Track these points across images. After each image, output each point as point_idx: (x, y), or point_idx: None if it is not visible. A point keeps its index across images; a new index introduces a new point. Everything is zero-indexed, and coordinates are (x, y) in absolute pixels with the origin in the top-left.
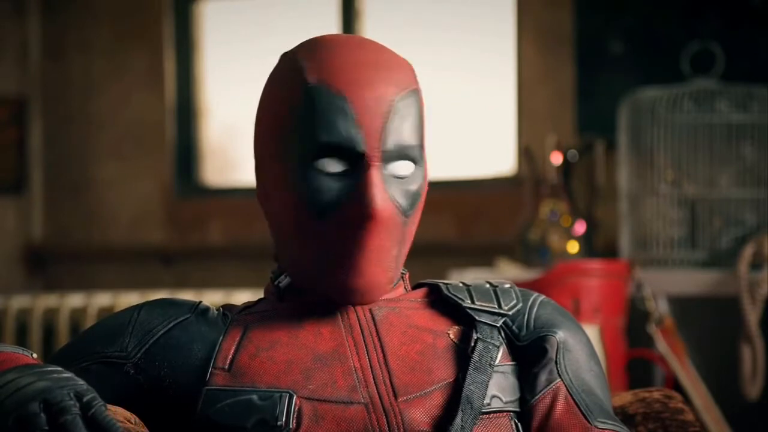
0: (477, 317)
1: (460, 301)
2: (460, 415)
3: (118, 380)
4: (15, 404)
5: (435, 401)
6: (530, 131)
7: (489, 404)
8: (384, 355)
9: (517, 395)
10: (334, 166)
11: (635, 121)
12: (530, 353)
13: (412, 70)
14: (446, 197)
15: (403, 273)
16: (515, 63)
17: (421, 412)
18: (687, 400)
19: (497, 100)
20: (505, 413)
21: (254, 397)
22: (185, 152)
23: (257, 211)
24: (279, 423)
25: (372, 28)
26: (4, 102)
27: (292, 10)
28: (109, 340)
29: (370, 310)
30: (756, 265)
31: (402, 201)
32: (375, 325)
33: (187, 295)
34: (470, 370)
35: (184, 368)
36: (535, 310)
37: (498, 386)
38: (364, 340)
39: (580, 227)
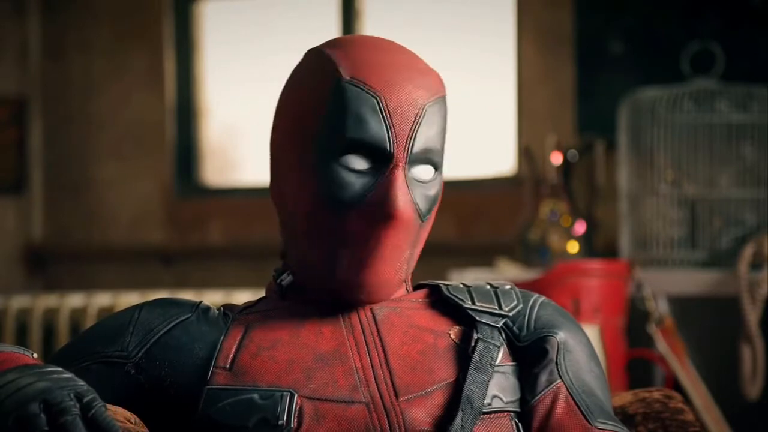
0: (478, 318)
1: (460, 302)
2: (460, 414)
3: (118, 380)
4: (15, 404)
5: (436, 401)
6: (530, 131)
7: (490, 404)
8: (385, 355)
9: (517, 395)
10: (359, 163)
11: (635, 121)
12: (531, 354)
13: (441, 79)
14: (446, 197)
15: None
16: (515, 63)
17: (422, 412)
18: (687, 400)
19: (497, 100)
20: (505, 413)
21: (255, 396)
22: (185, 152)
23: (257, 211)
24: (280, 422)
25: (372, 28)
26: (4, 102)
27: (292, 10)
28: (110, 340)
29: (371, 309)
30: (756, 265)
31: (421, 204)
32: (376, 324)
33: (187, 295)
34: (471, 370)
35: (185, 368)
36: (535, 311)
37: (499, 386)
38: (365, 340)
39: (580, 227)
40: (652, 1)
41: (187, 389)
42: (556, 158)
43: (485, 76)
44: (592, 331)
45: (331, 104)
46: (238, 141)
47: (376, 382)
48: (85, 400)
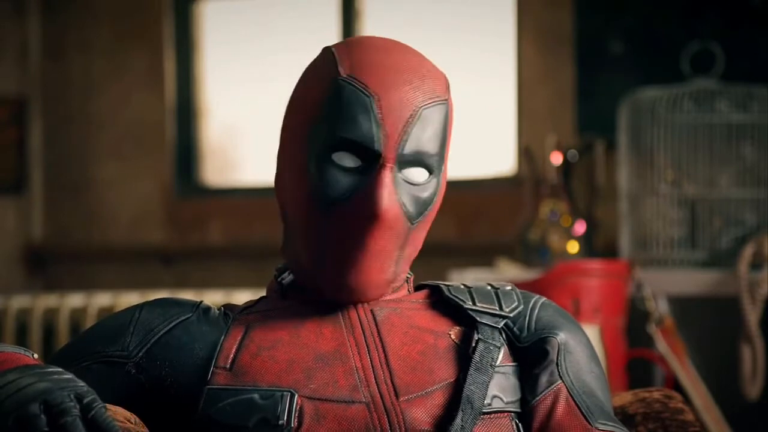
0: (478, 318)
1: (461, 303)
2: (460, 414)
3: (119, 380)
4: (15, 405)
5: (436, 401)
6: (530, 131)
7: (490, 404)
8: (385, 355)
9: (518, 396)
10: (349, 161)
11: (635, 121)
12: (531, 355)
13: (446, 83)
14: (446, 197)
15: (408, 276)
16: (515, 63)
17: (423, 412)
18: (687, 400)
19: (497, 100)
20: (506, 413)
21: (256, 396)
22: (185, 152)
23: (257, 211)
24: (280, 422)
25: (372, 28)
26: (4, 102)
27: (292, 10)
28: (110, 340)
29: (372, 310)
30: (756, 265)
31: (410, 206)
32: (376, 325)
33: (188, 295)
34: (471, 371)
35: (185, 368)
36: (536, 312)
37: (499, 387)
38: (365, 340)
39: (580, 227)
40: (652, 1)
41: (187, 389)
42: (556, 158)
43: (485, 76)
44: (592, 331)
45: (327, 101)
46: (238, 141)
47: (376, 382)
48: (85, 400)
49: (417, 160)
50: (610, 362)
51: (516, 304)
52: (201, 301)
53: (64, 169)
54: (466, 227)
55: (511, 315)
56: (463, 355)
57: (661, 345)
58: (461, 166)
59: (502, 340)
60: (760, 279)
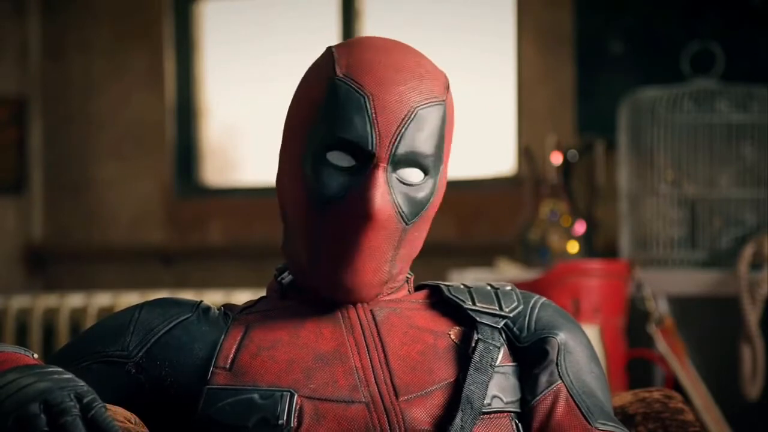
0: (478, 318)
1: (461, 303)
2: (459, 414)
3: (119, 379)
4: (15, 405)
5: (436, 401)
6: (530, 131)
7: (490, 404)
8: (385, 355)
9: (517, 396)
10: (344, 160)
11: (635, 121)
12: (531, 355)
13: (445, 83)
14: (446, 197)
15: (408, 276)
16: (515, 63)
17: (422, 412)
18: (687, 400)
19: (497, 100)
20: (505, 413)
21: (255, 396)
22: (185, 152)
23: (257, 211)
24: (280, 422)
25: (372, 28)
26: (4, 102)
27: (292, 10)
28: (110, 340)
29: (372, 310)
30: (756, 265)
31: (405, 207)
32: (376, 325)
33: (187, 295)
34: (471, 371)
35: (185, 368)
36: (536, 312)
37: (499, 387)
38: (365, 340)
39: (580, 227)
40: (652, 1)
41: (187, 389)
42: (556, 158)
43: (485, 76)
44: (592, 331)
45: (323, 100)
46: (238, 141)
47: (376, 382)
48: (85, 400)
49: (412, 160)
50: (610, 362)
51: (516, 304)
52: (201, 301)
53: (64, 169)
54: (466, 227)
55: (511, 315)
56: (463, 355)
57: (661, 345)
58: (461, 166)
59: (501, 340)
60: (760, 279)
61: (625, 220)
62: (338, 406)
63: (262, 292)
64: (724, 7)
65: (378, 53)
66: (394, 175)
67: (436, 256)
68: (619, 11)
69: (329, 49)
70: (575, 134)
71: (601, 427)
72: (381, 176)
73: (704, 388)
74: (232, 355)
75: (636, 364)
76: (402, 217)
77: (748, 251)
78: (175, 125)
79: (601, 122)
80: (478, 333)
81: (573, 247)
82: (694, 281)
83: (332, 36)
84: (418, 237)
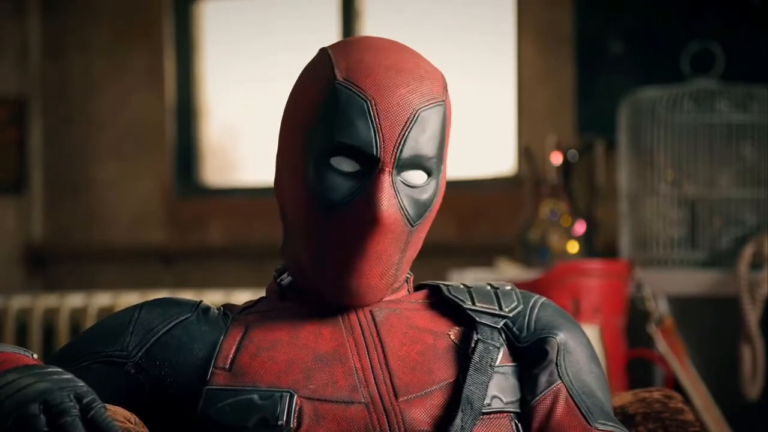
0: (478, 319)
1: (460, 303)
2: (460, 415)
3: (118, 380)
4: (15, 405)
5: (435, 401)
6: (530, 131)
7: (489, 405)
8: (385, 356)
9: (517, 396)
10: (348, 165)
11: (635, 121)
12: (531, 355)
13: (443, 83)
14: (446, 197)
15: (408, 276)
16: (515, 63)
17: (422, 412)
18: (687, 400)
19: (497, 100)
20: (505, 414)
21: (255, 396)
22: (185, 152)
23: (257, 211)
24: (280, 422)
25: (372, 28)
26: (4, 102)
27: (292, 10)
28: (110, 340)
29: (371, 311)
30: (756, 265)
31: (410, 209)
32: (376, 325)
33: (187, 295)
34: (470, 371)
35: (184, 368)
36: (535, 311)
37: (498, 387)
38: (364, 341)
39: (580, 227)
40: (652, 1)
41: (186, 389)
42: (556, 158)
43: (485, 76)
44: (592, 331)
45: (323, 105)
46: (238, 141)
47: (375, 382)
48: (84, 401)
49: (416, 163)
50: (610, 362)
51: (516, 304)
52: (200, 301)
53: (64, 169)
54: (466, 227)
55: (511, 315)
56: (463, 355)
57: (661, 345)
58: (461, 166)
59: (501, 340)
60: (760, 279)
61: (625, 220)
62: (338, 407)
63: (262, 292)
64: (724, 7)
65: (377, 55)
66: (398, 178)
67: (436, 256)
68: (619, 11)
69: (324, 50)
70: (575, 134)
71: (601, 427)
72: (386, 180)
73: (704, 388)
74: (231, 356)
75: (636, 364)
76: (408, 219)
77: (748, 251)
78: (175, 125)
79: (601, 122)
80: (477, 333)
81: (573, 247)
82: (694, 281)
83: (332, 36)
84: (421, 238)
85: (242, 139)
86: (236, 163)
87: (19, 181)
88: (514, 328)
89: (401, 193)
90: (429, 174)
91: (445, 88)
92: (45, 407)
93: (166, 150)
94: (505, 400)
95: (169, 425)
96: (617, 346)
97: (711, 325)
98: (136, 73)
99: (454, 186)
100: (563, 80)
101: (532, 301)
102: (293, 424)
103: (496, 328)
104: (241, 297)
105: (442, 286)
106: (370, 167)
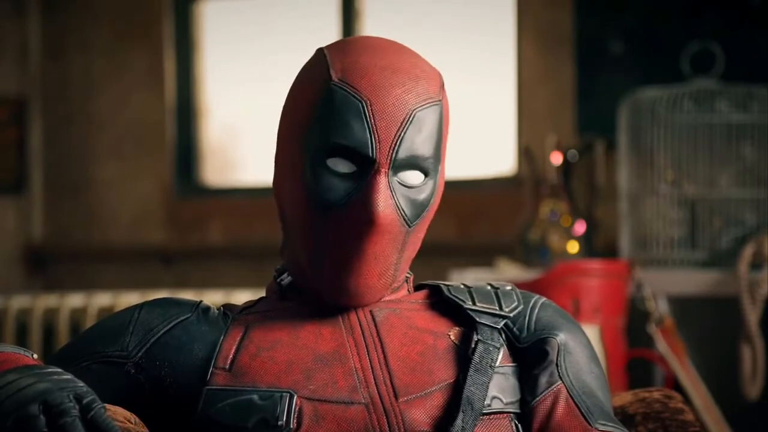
0: (478, 319)
1: (461, 303)
2: (461, 416)
3: (118, 380)
4: (15, 405)
5: (435, 402)
6: (530, 131)
7: (489, 405)
8: (384, 356)
9: (517, 396)
10: (344, 166)
11: (635, 121)
12: (531, 355)
13: (440, 82)
14: (446, 197)
15: (408, 275)
16: (515, 63)
17: (422, 413)
18: (687, 400)
19: (497, 100)
20: (505, 414)
21: (255, 397)
22: (185, 152)
23: (257, 211)
24: (279, 423)
25: (372, 28)
26: (4, 102)
27: (292, 10)
28: (110, 340)
29: (371, 311)
30: (756, 265)
31: (407, 210)
32: (375, 326)
33: (187, 295)
34: (471, 372)
35: (184, 368)
36: (536, 312)
37: (498, 387)
38: (364, 341)
39: (580, 227)
40: (652, 1)
41: (186, 389)
42: (556, 158)
43: (485, 76)
44: (592, 331)
45: (320, 106)
46: (238, 141)
47: (375, 383)
48: (84, 401)
49: (412, 163)
50: (610, 362)
51: (516, 304)
52: (200, 301)
53: (64, 169)
54: (466, 227)
55: (511, 315)
56: (463, 355)
57: (661, 345)
58: (461, 166)
59: (501, 340)
60: (760, 279)
61: (625, 220)
62: (338, 407)
63: (262, 292)
64: (724, 7)
65: (373, 55)
66: (395, 178)
67: (436, 256)
68: (619, 11)
69: (321, 51)
70: (575, 134)
71: (601, 428)
72: (382, 181)
73: (704, 388)
74: (231, 356)
75: (636, 364)
76: (405, 220)
77: (748, 251)
78: (175, 125)
79: (601, 122)
80: (477, 333)
81: (573, 247)
82: (694, 281)
83: (332, 36)
84: (419, 238)
85: (242, 139)
86: (236, 163)
87: (19, 181)
88: (515, 329)
89: (397, 194)
90: (426, 174)
91: (441, 87)
92: (45, 408)
93: (166, 150)
94: (505, 401)
95: (169, 425)
96: (617, 346)
97: (711, 325)
98: (136, 73)
99: (454, 186)
100: (563, 80)
101: (533, 302)
102: (293, 424)
103: (497, 328)
104: (241, 297)
105: (442, 286)
106: (365, 168)
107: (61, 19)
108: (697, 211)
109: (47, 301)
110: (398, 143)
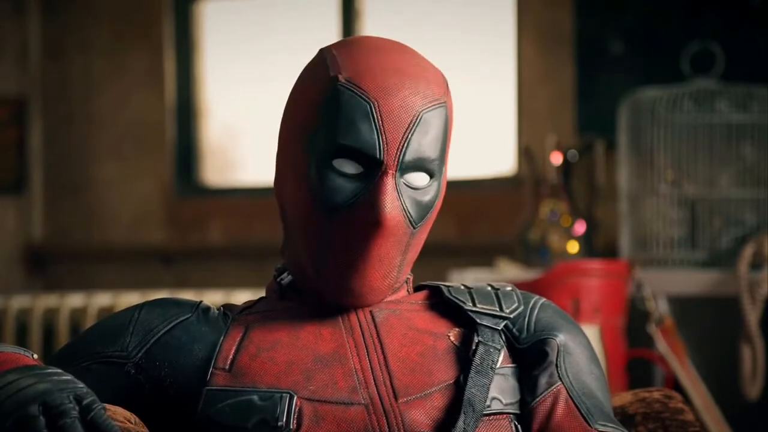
0: (478, 320)
1: (461, 304)
2: (462, 417)
3: (118, 380)
4: (15, 406)
5: (435, 403)
6: (530, 131)
7: (489, 406)
8: (384, 357)
9: (517, 397)
10: (350, 167)
11: (635, 121)
12: (531, 356)
13: (445, 83)
14: (446, 197)
15: (408, 276)
16: (515, 63)
17: (422, 414)
18: (687, 400)
19: (497, 100)
20: (505, 415)
21: (255, 397)
22: (185, 152)
23: (257, 211)
24: (279, 423)
25: (372, 28)
26: (4, 102)
27: (292, 10)
28: (110, 340)
29: (371, 312)
30: (756, 265)
31: (413, 211)
32: (375, 326)
33: (187, 295)
34: (472, 374)
35: (184, 368)
36: (535, 313)
37: (498, 388)
38: (364, 342)
39: (580, 227)
40: (652, 1)
41: (186, 389)
42: (556, 158)
43: (485, 76)
44: (592, 331)
45: (325, 106)
46: (238, 141)
47: (375, 383)
48: (84, 402)
49: (418, 165)
50: (610, 362)
51: (516, 305)
52: (200, 302)
53: (64, 169)
54: (466, 227)
55: (511, 316)
56: (463, 356)
57: (661, 345)
58: (461, 166)
59: (502, 342)
60: (760, 279)
61: (625, 220)
62: (337, 408)
63: (262, 292)
64: (724, 7)
65: (378, 56)
66: (401, 180)
67: (436, 256)
68: (619, 11)
69: (324, 50)
70: (575, 134)
71: (601, 428)
72: (389, 183)
73: (704, 388)
74: (231, 356)
75: (636, 364)
76: (410, 222)
77: (748, 251)
78: (175, 125)
79: (601, 122)
80: (478, 335)
81: (573, 247)
82: (694, 281)
83: (332, 36)
84: (422, 239)
85: (242, 139)
86: (236, 163)
87: (19, 181)
88: (514, 330)
89: (404, 196)
90: (431, 176)
91: (446, 88)
92: (44, 408)
93: (166, 150)
94: (504, 402)
95: (169, 426)
96: (617, 346)
97: (711, 325)
98: (136, 73)
99: (454, 186)
100: (563, 80)
101: (532, 302)
102: (293, 425)
103: (497, 329)
104: (241, 297)
105: (442, 286)
106: (373, 169)
107: (61, 19)
108: (697, 211)
109: (47, 301)
110: (405, 145)
